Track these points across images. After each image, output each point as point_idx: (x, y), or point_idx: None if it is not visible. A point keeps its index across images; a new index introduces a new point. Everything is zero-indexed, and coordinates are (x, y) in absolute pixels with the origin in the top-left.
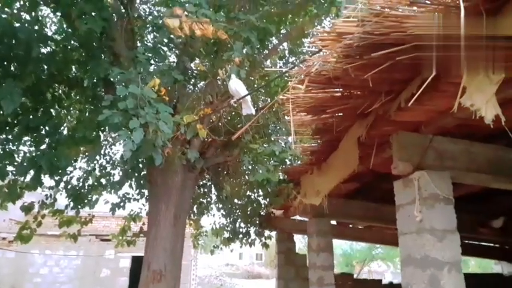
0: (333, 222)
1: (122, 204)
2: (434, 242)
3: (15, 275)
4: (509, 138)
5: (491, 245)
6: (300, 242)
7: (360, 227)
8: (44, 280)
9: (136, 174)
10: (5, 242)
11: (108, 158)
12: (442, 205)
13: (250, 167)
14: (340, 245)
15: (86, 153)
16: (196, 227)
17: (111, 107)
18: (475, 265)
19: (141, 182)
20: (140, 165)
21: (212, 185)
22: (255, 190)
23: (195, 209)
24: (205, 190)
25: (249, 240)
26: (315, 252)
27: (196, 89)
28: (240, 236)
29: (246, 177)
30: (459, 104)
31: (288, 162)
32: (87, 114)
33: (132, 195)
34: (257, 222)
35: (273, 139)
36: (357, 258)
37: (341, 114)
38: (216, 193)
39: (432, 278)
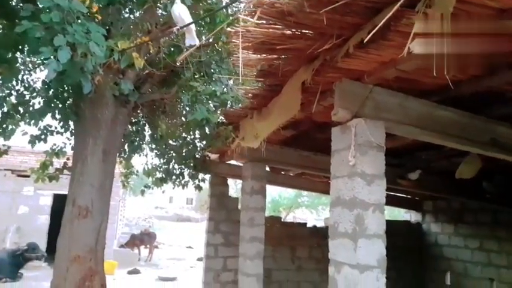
0: (267, 168)
1: (42, 137)
2: (363, 185)
3: None
4: (440, 95)
5: (404, 196)
6: (232, 189)
7: (291, 174)
8: None
9: (60, 105)
10: None
11: (26, 84)
12: (374, 152)
13: (188, 107)
14: (269, 193)
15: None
16: (126, 166)
17: (31, 19)
18: (387, 214)
19: (66, 113)
20: (65, 94)
21: (146, 124)
22: (191, 132)
23: (126, 147)
24: (139, 128)
25: (183, 182)
26: (248, 194)
27: (133, 16)
28: (174, 177)
29: (183, 118)
30: (402, 55)
31: (229, 105)
32: (0, 29)
33: (55, 128)
34: (192, 164)
35: (214, 79)
36: (284, 205)
37: (288, 56)
38: (150, 132)
39: (358, 218)
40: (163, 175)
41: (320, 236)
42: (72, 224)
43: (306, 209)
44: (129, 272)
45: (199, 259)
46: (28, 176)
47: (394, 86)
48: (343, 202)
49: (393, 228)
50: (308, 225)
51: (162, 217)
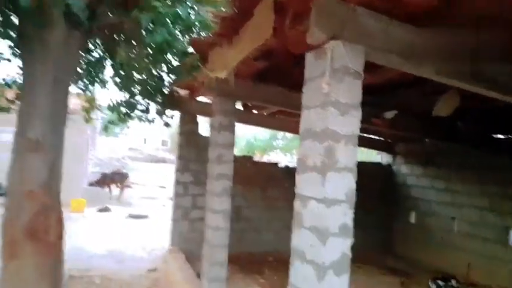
0: (240, 107)
1: None
2: (337, 115)
3: None
4: (427, 21)
5: (377, 137)
6: (202, 127)
7: (265, 113)
8: None
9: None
10: None
11: None
12: (351, 79)
13: (148, 31)
14: (244, 135)
15: None
16: (88, 100)
17: None
18: (359, 156)
19: (5, 32)
20: (7, 11)
21: (106, 52)
22: (156, 64)
23: (85, 79)
24: (98, 57)
25: (149, 118)
26: (217, 130)
27: None
28: (139, 112)
29: (146, 49)
30: None
31: (196, 32)
32: None
33: (2, 54)
34: (159, 100)
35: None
36: (258, 148)
37: None
38: (111, 63)
39: (328, 150)
40: (128, 110)
41: (292, 176)
42: (22, 158)
43: (281, 152)
44: (100, 210)
45: (171, 198)
46: None
47: (379, 6)
48: (314, 134)
49: (363, 169)
50: (280, 165)
51: (136, 158)
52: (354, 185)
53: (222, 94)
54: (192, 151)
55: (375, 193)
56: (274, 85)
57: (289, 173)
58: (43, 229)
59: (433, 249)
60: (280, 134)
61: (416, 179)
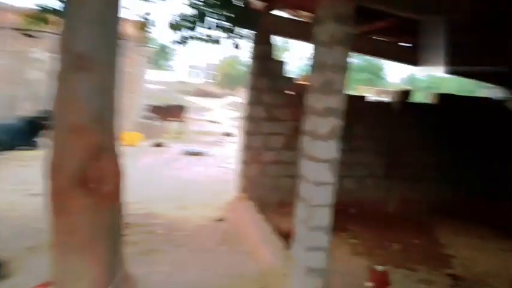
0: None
1: None
2: None
3: None
4: None
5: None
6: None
7: None
8: None
9: None
10: None
11: None
12: None
13: None
14: None
15: None
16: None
17: None
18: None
19: None
20: None
21: None
22: None
23: None
24: None
25: (214, 38)
26: (326, 45)
27: None
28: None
29: None
30: None
31: None
32: None
33: None
34: (228, 14)
35: None
36: None
37: None
38: None
39: None
40: (194, 24)
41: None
42: (68, 82)
43: None
44: (154, 145)
45: (226, 134)
46: (33, 36)
47: None
48: None
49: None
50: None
51: (186, 92)
52: None
53: None
54: (264, 80)
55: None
56: None
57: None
58: (97, 176)
59: None
60: None
61: None
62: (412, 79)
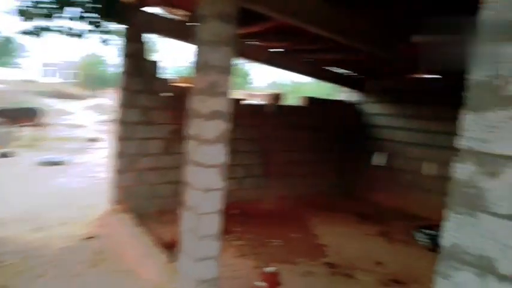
0: None
1: None
2: None
3: None
4: None
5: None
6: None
7: None
8: None
9: None
10: None
11: None
12: None
13: None
14: None
15: None
16: None
17: None
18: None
19: None
20: None
21: None
22: None
23: None
24: None
25: (77, 31)
26: (208, 44)
27: None
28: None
29: None
30: None
31: None
32: None
33: None
34: (94, 5)
35: None
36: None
37: None
38: None
39: None
40: (49, 13)
41: (256, 113)
42: None
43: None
44: (0, 155)
45: (92, 139)
46: None
47: None
48: None
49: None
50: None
51: (38, 92)
52: None
53: None
54: (138, 81)
55: (342, 133)
56: None
57: (253, 110)
58: None
59: (402, 192)
60: None
61: (386, 118)
62: (277, 84)
